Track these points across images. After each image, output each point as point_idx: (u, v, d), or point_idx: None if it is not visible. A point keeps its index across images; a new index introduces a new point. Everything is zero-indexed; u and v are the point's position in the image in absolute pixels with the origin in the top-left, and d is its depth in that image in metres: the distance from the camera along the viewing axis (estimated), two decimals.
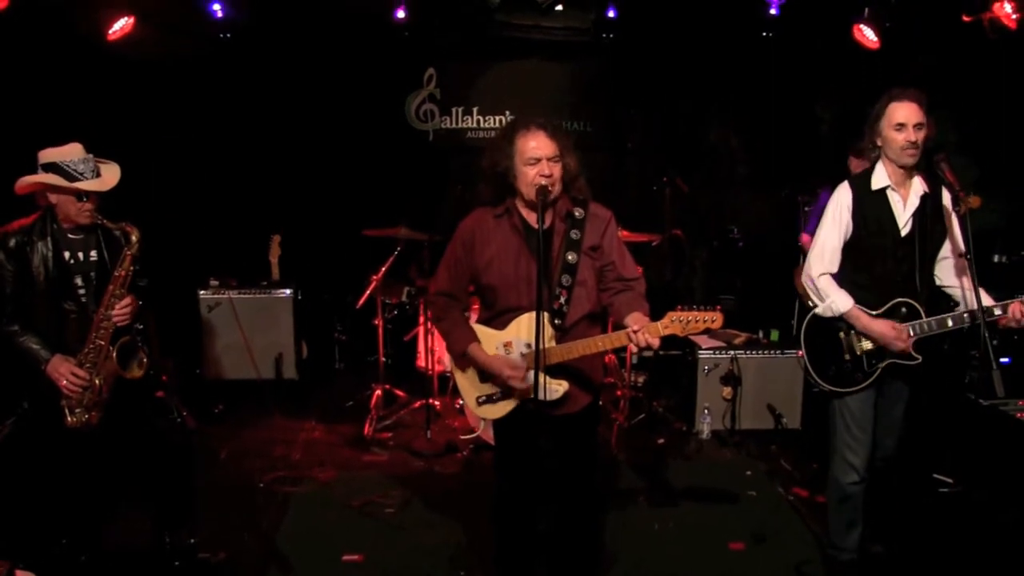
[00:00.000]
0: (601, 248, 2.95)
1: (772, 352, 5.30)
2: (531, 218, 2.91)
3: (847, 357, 3.22)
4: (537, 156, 2.81)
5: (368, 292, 5.58)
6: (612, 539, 3.82)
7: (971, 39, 5.41)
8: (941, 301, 3.25)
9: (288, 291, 6.16)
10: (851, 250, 3.21)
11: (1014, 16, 5.11)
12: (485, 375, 3.00)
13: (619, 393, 5.67)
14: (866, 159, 3.29)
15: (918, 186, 3.14)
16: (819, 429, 3.48)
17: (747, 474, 4.67)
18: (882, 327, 3.12)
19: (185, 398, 4.94)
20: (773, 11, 6.00)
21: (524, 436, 2.99)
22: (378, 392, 5.61)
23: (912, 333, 3.12)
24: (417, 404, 5.47)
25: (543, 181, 2.79)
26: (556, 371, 2.89)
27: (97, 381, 3.15)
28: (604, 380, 4.31)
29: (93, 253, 3.23)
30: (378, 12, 6.05)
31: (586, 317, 2.96)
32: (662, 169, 5.85)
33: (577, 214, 2.93)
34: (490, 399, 3.03)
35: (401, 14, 6.05)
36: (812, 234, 3.47)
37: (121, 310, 3.15)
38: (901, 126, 3.03)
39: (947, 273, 3.21)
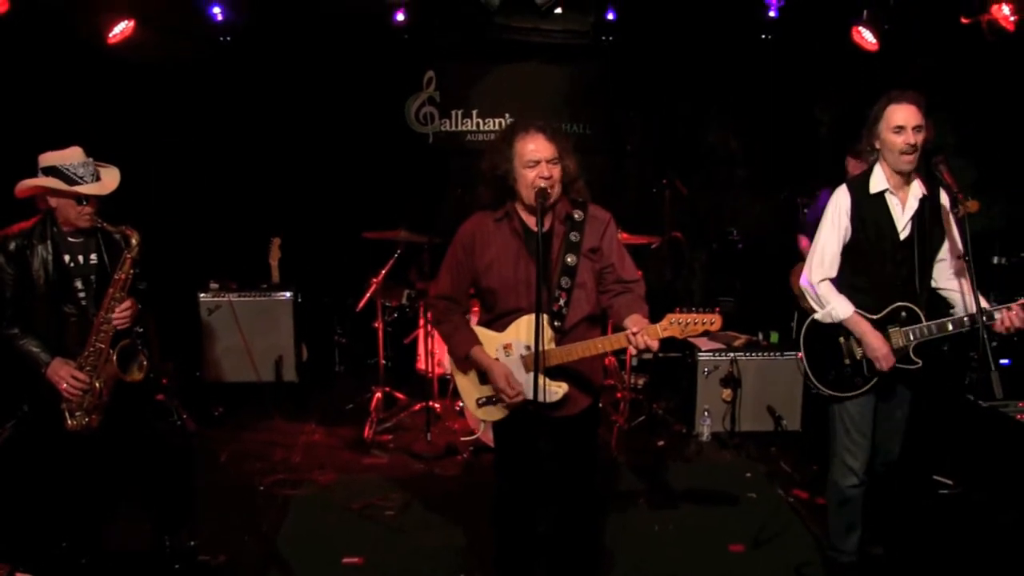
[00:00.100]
0: (600, 250, 2.96)
1: (772, 354, 5.30)
2: (530, 221, 2.91)
3: (847, 362, 3.21)
4: (536, 158, 2.81)
5: (368, 295, 5.58)
6: (612, 541, 3.82)
7: (970, 41, 5.42)
8: (940, 304, 3.25)
9: (288, 294, 6.16)
10: (850, 253, 3.20)
11: (1012, 18, 5.12)
12: (486, 377, 3.00)
13: (619, 395, 5.67)
14: (864, 161, 3.28)
15: (917, 189, 3.12)
16: (819, 431, 3.49)
17: (747, 476, 4.67)
18: (875, 341, 3.10)
19: (185, 401, 4.98)
20: (772, 13, 6.01)
21: (524, 438, 2.99)
22: (378, 395, 5.61)
23: (912, 338, 3.11)
24: (417, 407, 5.47)
25: (542, 183, 2.80)
26: (556, 373, 2.89)
27: (97, 384, 3.15)
28: (604, 382, 4.32)
29: (93, 256, 3.23)
30: (378, 14, 6.06)
31: (586, 319, 2.96)
32: (661, 171, 5.86)
33: (576, 216, 2.93)
34: (490, 401, 3.04)
35: (401, 17, 6.06)
36: (810, 237, 3.46)
37: (121, 313, 3.15)
38: (900, 128, 3.02)
39: (943, 275, 3.20)
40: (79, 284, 3.20)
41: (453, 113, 7.02)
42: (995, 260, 5.57)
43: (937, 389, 4.06)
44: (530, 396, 2.81)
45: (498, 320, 2.99)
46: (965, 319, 3.06)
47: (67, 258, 3.18)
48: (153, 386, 3.51)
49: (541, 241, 2.74)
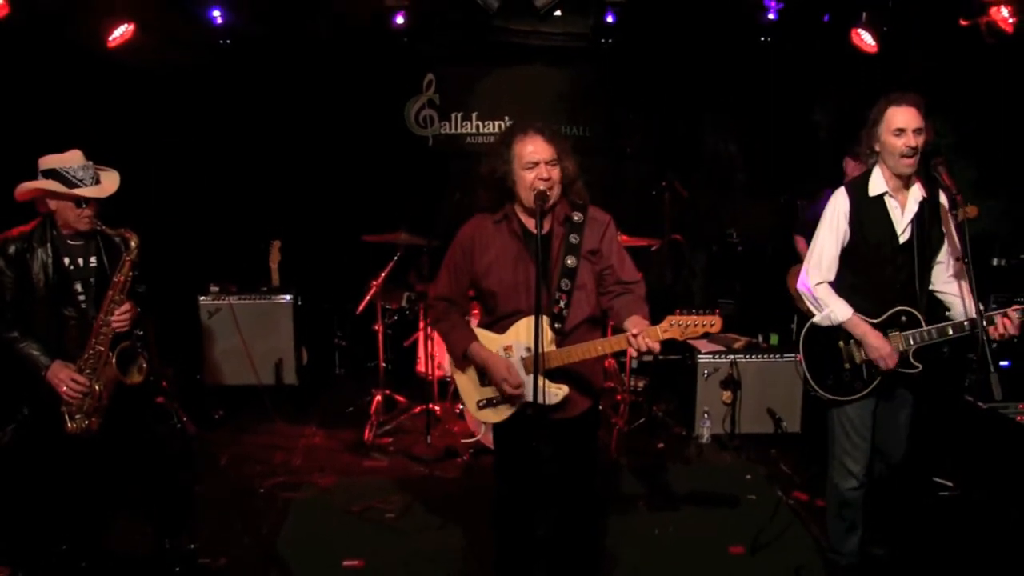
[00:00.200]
0: (600, 252, 2.96)
1: (772, 356, 5.30)
2: (530, 223, 2.92)
3: (847, 366, 3.20)
4: (535, 160, 2.81)
5: (368, 297, 5.58)
6: (612, 543, 3.82)
7: (968, 43, 5.42)
8: (938, 307, 3.24)
9: (288, 297, 6.16)
10: (848, 256, 3.19)
11: (1011, 20, 5.12)
12: (486, 379, 3.00)
13: (619, 397, 5.66)
14: (863, 162, 3.27)
15: (916, 191, 3.11)
16: (819, 433, 3.48)
17: (747, 478, 4.66)
18: (877, 341, 3.09)
19: (185, 404, 4.97)
20: (771, 16, 6.01)
21: (524, 440, 2.98)
22: (378, 397, 5.61)
23: (912, 342, 3.11)
24: (417, 409, 5.47)
25: (541, 185, 2.80)
26: (556, 375, 2.89)
27: (97, 387, 3.15)
28: (604, 384, 4.30)
29: (93, 259, 3.24)
30: (377, 17, 6.06)
31: (586, 321, 2.96)
32: (661, 173, 5.85)
33: (576, 218, 2.93)
34: (490, 403, 3.03)
35: (400, 20, 6.06)
36: (808, 237, 3.45)
37: (120, 316, 3.16)
38: (900, 131, 3.00)
39: (941, 277, 3.19)
40: (79, 287, 3.21)
41: (453, 116, 7.03)
42: (995, 262, 5.57)
43: (937, 391, 4.06)
44: (530, 398, 2.81)
45: (498, 322, 2.99)
46: (965, 323, 3.05)
47: (67, 261, 3.19)
48: (153, 389, 3.51)
49: (541, 243, 2.75)
